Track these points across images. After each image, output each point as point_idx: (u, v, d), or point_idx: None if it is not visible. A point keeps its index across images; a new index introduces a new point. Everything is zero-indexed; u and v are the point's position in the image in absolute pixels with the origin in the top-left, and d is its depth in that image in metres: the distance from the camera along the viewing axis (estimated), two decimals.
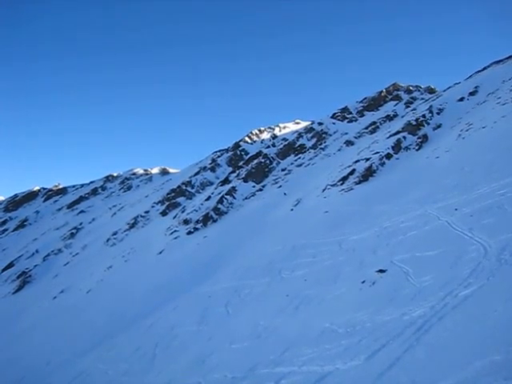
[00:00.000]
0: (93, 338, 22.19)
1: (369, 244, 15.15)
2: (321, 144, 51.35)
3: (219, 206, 42.58)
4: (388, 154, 33.53)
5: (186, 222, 42.48)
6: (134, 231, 50.62)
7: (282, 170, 48.56)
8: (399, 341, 6.96)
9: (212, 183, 56.02)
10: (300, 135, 55.85)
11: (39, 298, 40.72)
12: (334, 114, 58.68)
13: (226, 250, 29.36)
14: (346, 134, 50.97)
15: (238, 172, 50.46)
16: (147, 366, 14.01)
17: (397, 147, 34.36)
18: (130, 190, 77.06)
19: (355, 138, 48.32)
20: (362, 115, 56.65)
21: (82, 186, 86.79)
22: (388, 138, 37.05)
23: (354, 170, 32.72)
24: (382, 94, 59.19)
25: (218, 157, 64.27)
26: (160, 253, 37.68)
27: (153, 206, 55.68)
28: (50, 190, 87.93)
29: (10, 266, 54.92)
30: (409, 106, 51.83)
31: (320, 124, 56.05)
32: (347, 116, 57.29)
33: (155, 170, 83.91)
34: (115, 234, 51.78)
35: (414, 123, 36.77)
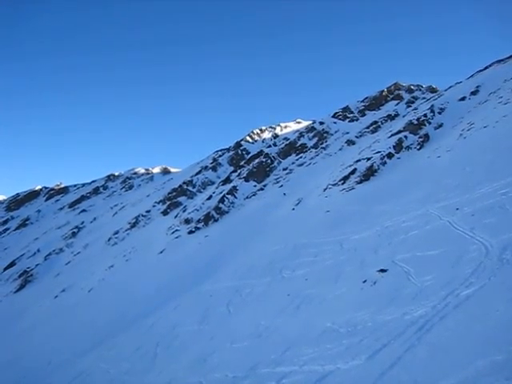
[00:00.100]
0: (94, 338, 22.21)
1: (370, 243, 15.13)
2: (322, 143, 51.32)
3: (220, 205, 42.58)
4: (389, 153, 33.49)
5: (187, 221, 42.49)
6: (135, 230, 50.65)
7: (284, 169, 48.55)
8: (400, 340, 6.95)
9: (213, 182, 56.04)
10: (301, 135, 55.83)
11: (40, 297, 40.77)
12: (336, 113, 58.65)
13: (227, 249, 29.36)
14: (348, 133, 50.94)
15: (239, 171, 50.46)
16: (148, 365, 14.02)
17: (398, 147, 34.32)
18: (131, 190, 77.12)
19: (356, 137, 48.31)
20: (364, 115, 56.61)
21: (84, 185, 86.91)
22: (389, 137, 37.01)
23: (355, 170, 32.69)
24: (384, 94, 59.12)
25: (220, 156, 64.28)
26: (161, 252, 37.70)
27: (154, 206, 55.71)
28: (52, 190, 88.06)
29: (12, 265, 55.00)
30: (410, 106, 51.80)
31: (321, 123, 56.02)
32: (348, 115, 57.24)
33: (156, 170, 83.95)
34: (116, 233, 51.82)
35: (416, 123, 36.72)
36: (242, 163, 53.64)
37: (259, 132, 66.40)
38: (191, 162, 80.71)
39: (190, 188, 56.39)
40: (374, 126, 48.96)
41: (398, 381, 5.82)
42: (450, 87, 49.05)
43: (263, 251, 23.51)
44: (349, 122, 55.81)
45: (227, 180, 49.61)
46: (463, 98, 39.56)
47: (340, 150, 46.82)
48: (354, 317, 9.23)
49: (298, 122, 68.03)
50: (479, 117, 30.56)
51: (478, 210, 12.29)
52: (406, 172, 27.89)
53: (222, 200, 43.21)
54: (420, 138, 34.81)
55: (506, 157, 17.66)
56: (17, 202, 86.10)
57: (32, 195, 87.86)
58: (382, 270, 11.31)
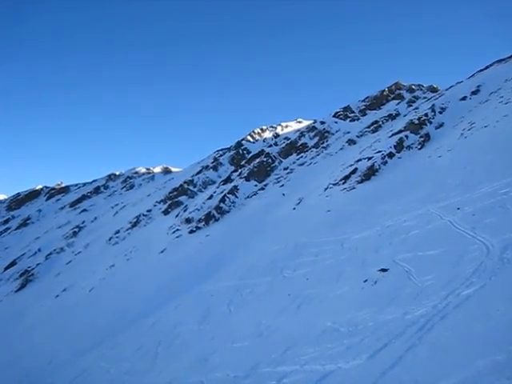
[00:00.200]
0: (95, 337, 22.23)
1: (371, 243, 15.13)
2: (323, 143, 51.32)
3: (221, 204, 42.59)
4: (390, 153, 33.49)
5: (188, 220, 42.50)
6: (136, 230, 50.69)
7: (284, 168, 48.56)
8: (401, 340, 6.95)
9: (214, 182, 56.05)
10: (302, 134, 55.85)
11: (41, 296, 40.81)
12: (336, 112, 58.63)
13: (228, 248, 29.37)
14: (348, 133, 50.94)
15: (240, 171, 50.46)
16: (149, 364, 14.03)
17: (399, 146, 34.32)
18: (132, 189, 77.15)
19: (357, 136, 48.32)
20: (364, 114, 56.61)
21: (85, 184, 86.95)
22: (390, 136, 36.99)
23: (356, 169, 32.68)
24: (385, 93, 59.11)
25: (220, 156, 64.29)
26: (162, 252, 37.72)
27: (155, 205, 55.74)
28: (53, 189, 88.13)
29: (13, 264, 55.05)
30: (411, 105, 51.80)
31: (322, 123, 56.03)
32: (349, 115, 57.24)
33: (157, 169, 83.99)
34: (117, 232, 51.85)
35: (417, 122, 36.71)
36: (242, 163, 53.64)
37: (260, 131, 66.43)
38: (192, 161, 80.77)
39: (191, 187, 56.41)
40: (375, 125, 48.96)
41: (398, 380, 5.82)
42: (451, 87, 49.01)
43: (264, 251, 23.53)
44: (350, 121, 55.81)
45: (228, 179, 49.62)
46: (464, 98, 39.55)
47: (341, 149, 46.82)
48: (355, 316, 9.23)
49: (299, 122, 68.05)
50: (480, 116, 30.54)
51: (479, 209, 12.28)
52: (407, 172, 27.90)
53: (222, 199, 43.22)
54: (421, 137, 34.81)
55: (506, 156, 17.66)
56: (17, 201, 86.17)
57: (33, 195, 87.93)
58: (383, 270, 11.31)
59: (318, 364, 7.80)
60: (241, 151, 61.44)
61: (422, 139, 34.55)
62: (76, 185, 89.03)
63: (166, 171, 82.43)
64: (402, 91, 58.93)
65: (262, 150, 52.97)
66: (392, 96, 58.64)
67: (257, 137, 65.32)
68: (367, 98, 60.14)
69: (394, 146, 34.30)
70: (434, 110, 38.47)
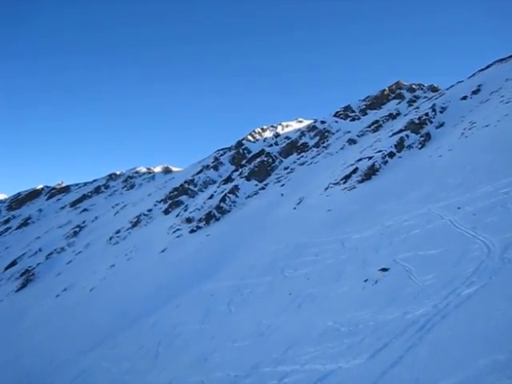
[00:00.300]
0: (95, 337, 22.23)
1: (371, 243, 15.13)
2: (323, 142, 51.28)
3: (222, 204, 42.59)
4: (391, 152, 33.46)
5: (188, 220, 42.51)
6: (136, 230, 50.70)
7: (285, 168, 48.55)
8: (402, 339, 6.95)
9: (215, 182, 56.06)
10: (303, 134, 55.84)
11: (42, 296, 40.83)
12: (337, 112, 58.60)
13: (228, 248, 29.37)
14: (349, 132, 50.90)
15: (240, 170, 50.47)
16: (150, 364, 14.04)
17: (400, 146, 34.29)
18: (132, 189, 77.17)
19: (358, 136, 48.29)
20: (365, 114, 56.56)
21: (85, 184, 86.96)
22: (391, 136, 36.97)
23: (356, 169, 32.66)
24: (385, 93, 59.07)
25: (221, 155, 64.28)
26: (162, 251, 37.73)
27: (155, 205, 55.75)
28: (53, 189, 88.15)
29: (13, 264, 55.08)
30: (412, 105, 51.77)
31: (323, 122, 56.01)
32: (350, 114, 57.19)
33: (158, 169, 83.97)
34: (118, 232, 51.87)
35: (417, 122, 36.68)
36: (243, 162, 53.65)
37: (261, 131, 66.42)
38: (193, 161, 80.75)
39: (192, 187, 56.42)
40: (376, 125, 48.94)
41: (399, 380, 5.82)
42: (452, 86, 48.97)
43: (265, 250, 23.53)
44: (350, 121, 55.76)
45: (229, 179, 49.63)
46: (465, 97, 39.50)
47: (341, 149, 46.79)
48: (356, 316, 9.23)
49: (300, 121, 68.03)
50: (481, 116, 30.52)
51: (480, 209, 12.28)
52: (408, 171, 27.88)
53: (223, 199, 43.22)
54: (421, 137, 34.78)
55: (507, 156, 17.64)
56: (18, 201, 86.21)
57: (33, 194, 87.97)
58: (384, 269, 11.31)
59: (318, 363, 7.80)
60: (241, 151, 61.42)
61: (422, 139, 34.53)
62: (77, 184, 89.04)
63: (167, 171, 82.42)
64: (402, 91, 58.88)
65: (263, 150, 52.96)
66: (392, 95, 58.59)
67: (257, 136, 65.31)
68: (368, 97, 60.10)
69: (395, 145, 34.27)
70: (434, 110, 38.43)
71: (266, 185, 45.94)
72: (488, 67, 48.55)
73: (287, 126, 67.05)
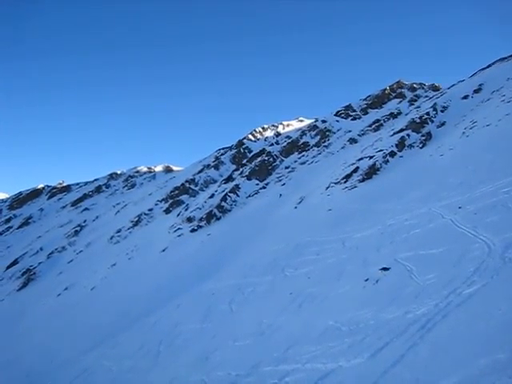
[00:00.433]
0: (96, 336, 22.26)
1: (372, 242, 15.13)
2: (324, 142, 51.25)
3: (223, 203, 42.59)
4: (392, 151, 33.45)
5: (189, 219, 42.51)
6: (137, 229, 50.71)
7: (286, 167, 48.53)
8: (403, 339, 6.96)
9: (215, 181, 56.05)
10: (303, 133, 55.78)
11: (43, 295, 40.86)
12: (338, 111, 58.55)
13: (229, 247, 29.38)
14: (350, 131, 50.87)
15: (241, 170, 50.46)
16: (151, 363, 14.06)
17: (400, 145, 34.28)
18: (133, 188, 77.14)
19: (359, 135, 48.25)
20: (366, 113, 56.50)
21: (86, 183, 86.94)
22: (392, 135, 36.96)
23: (357, 168, 32.65)
24: (386, 92, 59.00)
25: (222, 154, 64.26)
26: (163, 250, 37.74)
27: (156, 204, 55.76)
28: (54, 188, 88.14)
29: (15, 263, 55.11)
30: (413, 104, 51.70)
31: (323, 122, 55.94)
32: (351, 114, 57.14)
33: (159, 168, 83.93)
34: (119, 231, 51.89)
35: (418, 121, 36.66)
36: (244, 162, 53.65)
37: (261, 130, 66.35)
38: (193, 160, 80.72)
39: (193, 186, 56.42)
40: (377, 124, 48.89)
41: (400, 379, 5.83)
42: (453, 85, 48.91)
43: (265, 249, 23.54)
44: (351, 120, 55.72)
45: (229, 178, 49.62)
46: (466, 97, 39.48)
47: (342, 148, 46.77)
48: (357, 315, 9.24)
49: (301, 121, 67.93)
50: (482, 115, 30.50)
51: (481, 208, 12.27)
52: (409, 170, 27.87)
53: (224, 198, 43.22)
54: (422, 136, 34.76)
55: (508, 155, 17.64)
56: (19, 200, 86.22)
57: (34, 194, 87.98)
58: (385, 269, 11.31)
59: (319, 363, 7.81)
60: (242, 150, 61.38)
61: (423, 138, 34.51)
62: (77, 184, 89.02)
63: (168, 170, 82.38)
64: (403, 90, 58.81)
65: (264, 149, 52.94)
66: (394, 95, 58.52)
67: (258, 136, 65.25)
68: (369, 96, 60.04)
69: (396, 144, 34.26)
70: (435, 109, 38.41)
71: (266, 184, 45.93)
72: (489, 66, 48.49)
73: (288, 125, 66.95)
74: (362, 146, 41.02)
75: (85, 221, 63.45)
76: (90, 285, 36.81)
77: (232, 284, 19.32)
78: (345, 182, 32.02)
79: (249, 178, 47.22)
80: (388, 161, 32.48)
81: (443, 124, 36.00)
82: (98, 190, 79.88)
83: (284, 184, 43.31)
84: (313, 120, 61.06)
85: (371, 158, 33.44)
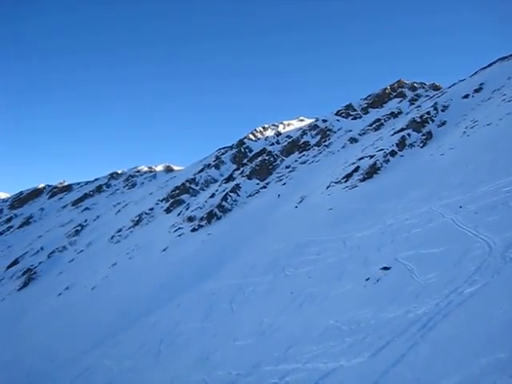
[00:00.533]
0: (97, 335, 22.26)
1: (373, 241, 15.12)
2: (325, 141, 51.23)
3: (223, 203, 42.59)
4: (392, 151, 33.43)
5: (190, 219, 42.51)
6: (138, 228, 50.74)
7: (286, 167, 48.51)
8: (404, 338, 6.95)
9: (216, 180, 56.05)
10: (304, 132, 55.75)
11: (44, 295, 40.88)
12: (339, 111, 58.54)
13: (230, 247, 29.37)
14: (351, 131, 50.85)
15: (242, 169, 50.44)
16: (152, 362, 14.06)
17: (401, 144, 34.26)
18: (134, 188, 77.21)
19: (359, 135, 48.24)
20: (367, 112, 56.50)
21: (87, 183, 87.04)
22: (392, 135, 36.94)
23: (358, 168, 32.63)
24: (387, 91, 58.97)
25: (222, 154, 64.27)
26: (164, 250, 37.74)
27: (157, 204, 55.78)
28: (55, 188, 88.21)
29: (15, 263, 55.16)
30: (413, 103, 51.70)
31: (324, 121, 55.92)
32: (351, 113, 57.13)
33: (159, 168, 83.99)
34: (119, 231, 51.92)
35: (419, 120, 36.64)
36: (244, 161, 53.64)
37: (262, 130, 66.35)
38: (194, 160, 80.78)
39: (193, 186, 56.42)
40: (377, 123, 48.87)
41: (401, 378, 5.82)
42: (454, 85, 48.88)
43: (266, 249, 23.53)
44: (352, 119, 55.71)
45: (230, 178, 49.61)
46: (466, 96, 39.46)
47: (343, 147, 46.75)
48: (357, 314, 9.23)
49: (301, 120, 67.93)
50: (482, 114, 30.47)
51: (482, 207, 12.25)
52: (409, 170, 27.84)
53: (224, 198, 43.22)
54: (423, 135, 34.74)
55: (509, 154, 17.61)
56: (20, 200, 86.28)
57: (35, 193, 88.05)
58: (385, 268, 11.30)
59: (320, 362, 7.80)
60: (243, 150, 61.38)
61: (424, 137, 34.49)
62: (78, 183, 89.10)
63: (168, 170, 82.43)
64: (404, 89, 58.78)
65: (264, 149, 52.93)
66: (394, 94, 58.50)
67: (259, 135, 65.25)
68: (369, 96, 60.03)
69: (396, 144, 34.24)
70: (436, 108, 38.38)
71: (267, 184, 45.92)
72: (490, 65, 48.45)
73: (289, 124, 66.96)
74: (362, 146, 41.00)
75: (85, 220, 63.50)
76: (91, 284, 36.82)
77: (232, 283, 19.32)
78: (345, 181, 32.00)
79: (249, 177, 47.21)
80: (389, 160, 32.46)
81: (444, 123, 35.98)
82: (99, 189, 79.94)
83: (284, 183, 43.30)
84: (313, 119, 61.04)
85: (372, 157, 33.42)
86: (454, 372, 5.16)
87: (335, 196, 30.00)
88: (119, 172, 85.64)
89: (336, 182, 32.79)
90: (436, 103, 39.29)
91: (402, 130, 36.47)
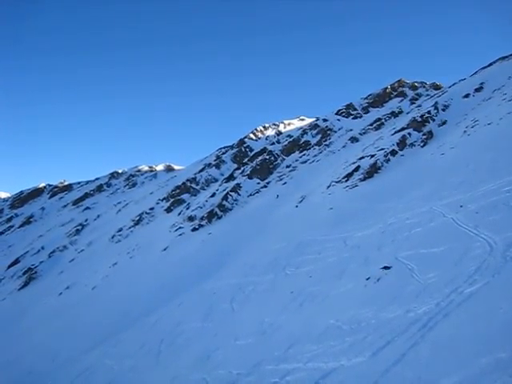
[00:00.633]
0: (98, 335, 22.27)
1: (373, 241, 15.12)
2: (325, 140, 51.22)
3: (224, 202, 42.60)
4: (393, 150, 33.42)
5: (190, 218, 42.52)
6: (138, 228, 50.76)
7: (287, 166, 48.51)
8: (404, 338, 6.95)
9: (217, 180, 56.07)
10: (305, 132, 55.73)
11: (44, 294, 40.91)
12: (339, 110, 58.53)
13: (230, 246, 29.37)
14: (351, 130, 50.84)
15: (242, 169, 50.45)
16: (152, 362, 14.07)
17: (402, 144, 34.24)
18: (134, 187, 77.22)
19: (360, 134, 48.20)
20: (367, 112, 56.49)
21: (88, 182, 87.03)
22: (393, 134, 36.92)
23: (358, 167, 32.62)
24: (387, 91, 58.96)
25: (223, 153, 64.29)
26: (165, 249, 37.76)
27: (157, 203, 55.81)
28: (56, 187, 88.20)
29: (16, 262, 55.19)
30: (414, 103, 51.68)
31: (325, 120, 55.90)
32: (352, 112, 57.12)
33: (160, 167, 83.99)
34: (120, 230, 51.94)
35: (419, 120, 36.62)
36: (245, 160, 53.65)
37: (262, 129, 66.34)
38: (195, 159, 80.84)
39: (194, 185, 56.42)
40: (378, 123, 48.85)
41: (401, 378, 5.83)
42: (454, 84, 48.87)
43: (266, 248, 23.53)
44: (352, 119, 55.71)
45: (230, 177, 49.62)
46: (467, 95, 39.44)
47: (343, 147, 46.73)
48: (358, 314, 9.23)
49: (302, 119, 67.92)
50: (483, 114, 30.45)
51: (482, 207, 12.25)
52: (410, 169, 27.83)
53: (225, 197, 43.23)
54: (424, 135, 34.72)
55: (509, 154, 17.59)
56: (21, 199, 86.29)
57: (36, 193, 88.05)
58: (386, 268, 11.30)
59: (320, 361, 7.81)
60: (243, 149, 61.38)
61: (424, 137, 34.47)
62: (79, 183, 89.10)
63: (169, 169, 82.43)
64: (404, 89, 58.79)
65: (265, 148, 52.94)
66: (395, 93, 58.51)
67: (259, 134, 65.24)
68: (370, 95, 60.01)
69: (397, 143, 34.22)
70: (436, 108, 38.36)
71: (268, 183, 45.92)
72: (490, 65, 48.43)
73: (289, 124, 66.96)
74: (363, 145, 40.98)
75: (86, 220, 63.53)
76: (91, 284, 36.85)
77: (233, 283, 19.31)
78: (346, 180, 32.00)
79: (250, 176, 47.21)
80: (389, 160, 32.45)
81: (444, 123, 35.96)
82: (100, 188, 79.95)
83: (285, 183, 43.30)
84: (314, 119, 61.03)
85: (372, 156, 33.41)
86: (455, 371, 5.17)
87: (336, 195, 29.99)
88: (120, 171, 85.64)
89: (336, 182, 32.78)
90: (437, 102, 39.27)
91: (402, 129, 36.45)
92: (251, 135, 65.07)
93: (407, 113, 46.58)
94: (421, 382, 5.49)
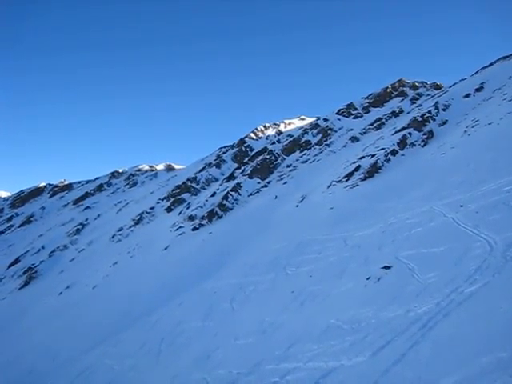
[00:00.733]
0: (98, 334, 22.28)
1: (374, 240, 15.12)
2: (326, 140, 51.17)
3: (224, 202, 42.58)
4: (393, 150, 33.40)
5: (191, 218, 42.51)
6: (139, 227, 50.74)
7: (287, 166, 48.47)
8: (404, 337, 6.96)
9: (217, 179, 56.04)
10: (305, 131, 55.68)
11: (45, 294, 40.90)
12: (340, 110, 58.48)
13: (231, 246, 29.37)
14: (352, 130, 50.79)
15: (243, 168, 50.43)
16: (153, 361, 14.08)
17: (402, 143, 34.22)
18: (135, 186, 77.19)
19: (360, 134, 48.15)
20: (368, 111, 56.44)
21: (88, 182, 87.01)
22: (393, 134, 36.90)
23: (359, 167, 32.61)
24: (388, 90, 58.92)
25: (224, 153, 64.26)
26: (165, 249, 37.75)
27: (158, 202, 55.78)
28: (56, 186, 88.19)
29: (16, 261, 55.19)
30: (414, 102, 51.63)
31: (325, 120, 55.86)
32: (352, 112, 57.07)
33: (160, 167, 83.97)
34: (120, 230, 51.92)
35: (420, 119, 36.60)
36: (245, 160, 53.62)
37: (263, 129, 66.31)
38: (195, 158, 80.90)
39: (194, 185, 56.39)
40: (378, 122, 48.79)
41: (402, 378, 5.83)
42: (455, 84, 48.83)
43: (267, 248, 23.53)
44: (353, 118, 55.67)
45: (231, 177, 49.60)
46: (468, 95, 39.40)
47: (344, 146, 46.69)
48: (358, 313, 9.24)
49: (302, 119, 67.86)
50: (484, 113, 30.43)
51: (483, 207, 12.25)
52: (410, 169, 27.82)
53: (225, 197, 43.21)
54: (424, 134, 34.70)
55: (510, 154, 17.60)
56: (21, 198, 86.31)
57: (36, 192, 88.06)
58: (386, 267, 11.32)
59: (320, 361, 7.82)
60: (244, 148, 61.35)
61: (425, 136, 34.45)
62: (79, 182, 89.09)
63: (169, 169, 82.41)
64: (405, 88, 58.71)
65: (265, 148, 52.92)
66: (395, 93, 58.44)
67: (260, 134, 65.21)
68: (370, 95, 59.95)
69: (398, 143, 34.20)
70: (437, 108, 38.34)
71: (268, 183, 45.89)
72: (491, 65, 48.38)
73: (290, 123, 66.89)
74: (363, 145, 40.95)
75: (86, 219, 63.52)
76: (92, 283, 36.84)
77: (233, 282, 19.32)
78: (346, 180, 31.99)
79: (250, 176, 47.19)
80: (390, 159, 32.44)
81: (445, 122, 35.94)
82: (100, 188, 79.94)
83: (285, 183, 43.27)
84: (314, 118, 61.00)
85: (373, 156, 33.40)
86: (455, 371, 5.18)
87: (336, 195, 29.98)
88: (120, 171, 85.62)
89: (337, 181, 32.77)
90: (437, 102, 39.25)
91: (403, 129, 36.43)
92: (252, 135, 65.04)
93: (408, 112, 46.53)
94: (421, 382, 5.50)
